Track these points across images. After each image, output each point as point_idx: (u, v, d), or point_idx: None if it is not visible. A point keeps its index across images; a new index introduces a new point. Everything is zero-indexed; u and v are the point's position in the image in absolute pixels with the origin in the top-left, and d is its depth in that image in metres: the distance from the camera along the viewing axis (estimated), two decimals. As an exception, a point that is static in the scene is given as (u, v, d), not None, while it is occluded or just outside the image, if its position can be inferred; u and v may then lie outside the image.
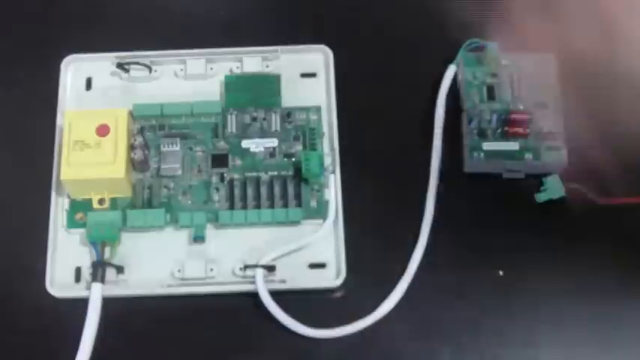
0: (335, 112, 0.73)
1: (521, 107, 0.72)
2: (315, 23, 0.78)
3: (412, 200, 0.71)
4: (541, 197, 0.71)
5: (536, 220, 0.71)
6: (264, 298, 0.68)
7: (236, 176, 0.72)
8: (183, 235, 0.71)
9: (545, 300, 0.69)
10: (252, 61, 0.75)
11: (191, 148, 0.73)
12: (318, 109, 0.74)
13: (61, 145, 0.71)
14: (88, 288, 0.68)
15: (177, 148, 0.72)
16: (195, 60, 0.76)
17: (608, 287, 0.69)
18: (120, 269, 0.69)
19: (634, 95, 0.73)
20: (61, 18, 0.79)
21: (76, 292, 0.69)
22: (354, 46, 0.77)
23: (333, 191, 0.71)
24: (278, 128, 0.73)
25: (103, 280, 0.68)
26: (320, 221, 0.71)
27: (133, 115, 0.73)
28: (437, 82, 0.73)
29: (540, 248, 0.70)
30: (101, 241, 0.69)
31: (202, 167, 0.72)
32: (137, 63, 0.75)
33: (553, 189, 0.70)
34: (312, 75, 0.76)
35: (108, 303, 0.68)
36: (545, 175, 0.71)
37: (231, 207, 0.71)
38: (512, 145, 0.71)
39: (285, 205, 0.71)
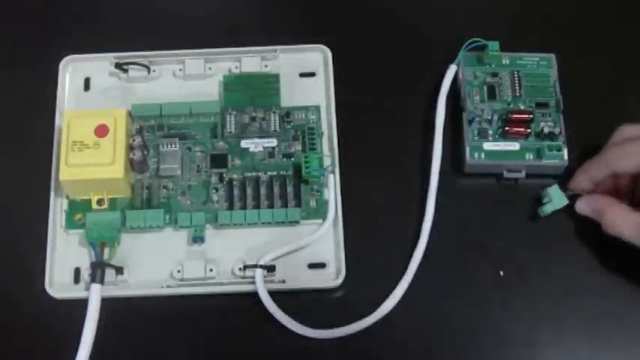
0: (334, 112, 0.73)
1: (522, 107, 0.72)
2: (313, 23, 0.78)
3: (412, 200, 0.71)
4: (545, 210, 0.70)
5: (536, 220, 0.71)
6: (264, 298, 0.68)
7: (235, 176, 0.72)
8: (182, 236, 0.71)
9: (545, 300, 0.69)
10: (250, 60, 0.75)
11: (190, 149, 0.73)
12: (317, 109, 0.74)
13: (59, 146, 0.71)
14: (87, 289, 0.68)
15: (176, 148, 0.72)
16: (193, 60, 0.75)
17: (608, 287, 0.69)
18: (119, 270, 0.69)
19: None
20: (60, 18, 0.79)
21: (76, 292, 0.69)
22: (353, 46, 0.77)
23: (332, 191, 0.71)
24: (277, 128, 0.73)
25: (102, 281, 0.68)
26: (319, 221, 0.71)
27: (131, 116, 0.73)
28: (437, 81, 0.73)
29: (540, 248, 0.70)
30: (100, 242, 0.69)
31: (201, 167, 0.72)
32: (136, 63, 0.75)
33: (556, 199, 0.70)
34: (311, 74, 0.76)
35: (107, 303, 0.68)
36: (544, 178, 0.71)
37: (231, 207, 0.71)
38: (513, 145, 0.71)
39: (285, 205, 0.71)
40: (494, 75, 0.73)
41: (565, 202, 0.70)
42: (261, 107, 0.73)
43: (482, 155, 0.71)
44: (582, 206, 0.69)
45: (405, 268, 0.69)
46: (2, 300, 0.69)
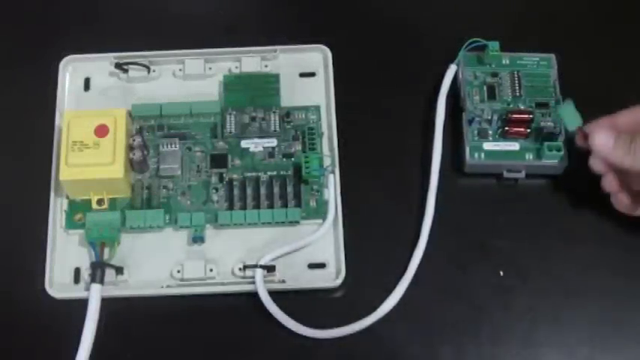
0: (334, 112, 0.73)
1: (522, 107, 0.72)
2: (313, 23, 0.78)
3: (412, 200, 0.71)
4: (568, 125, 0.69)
5: (536, 221, 0.71)
6: (264, 298, 0.68)
7: (235, 176, 0.72)
8: (182, 236, 0.71)
9: (545, 300, 0.69)
10: (250, 60, 0.75)
11: (190, 149, 0.73)
12: (317, 109, 0.74)
13: (59, 146, 0.71)
14: (87, 289, 0.68)
15: (176, 148, 0.72)
16: (193, 60, 0.75)
17: (607, 288, 0.69)
18: (119, 270, 0.69)
19: None
20: (60, 18, 0.79)
21: (75, 292, 0.69)
22: (353, 46, 0.77)
23: (332, 191, 0.71)
24: (277, 128, 0.73)
25: (102, 281, 0.68)
26: (319, 221, 0.71)
27: (131, 116, 0.73)
28: (437, 81, 0.73)
29: (540, 248, 0.70)
30: (100, 242, 0.69)
31: (201, 167, 0.72)
32: (136, 63, 0.75)
33: (569, 119, 0.69)
34: (311, 74, 0.76)
35: (107, 303, 0.68)
36: (544, 178, 0.70)
37: (231, 207, 0.71)
38: (513, 145, 0.71)
39: (285, 205, 0.71)
40: (494, 75, 0.73)
41: (579, 122, 0.69)
42: (261, 107, 0.73)
43: (482, 155, 0.71)
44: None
45: (405, 268, 0.69)
46: (2, 300, 0.69)
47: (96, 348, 0.66)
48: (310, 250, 0.70)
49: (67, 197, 0.71)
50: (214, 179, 0.72)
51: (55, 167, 0.71)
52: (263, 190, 0.71)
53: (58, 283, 0.69)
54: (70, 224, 0.71)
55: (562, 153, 0.70)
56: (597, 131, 0.66)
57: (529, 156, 0.71)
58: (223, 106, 0.74)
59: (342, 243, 0.69)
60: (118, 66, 0.75)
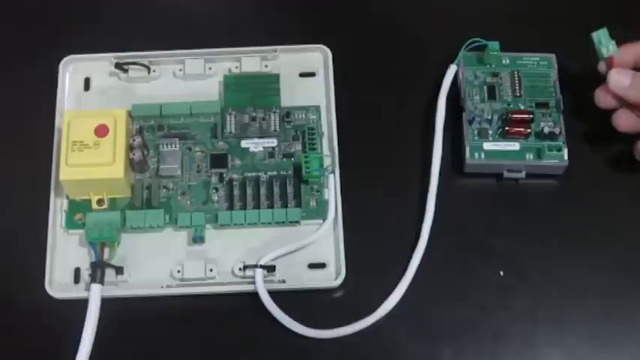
0: (334, 112, 0.73)
1: (522, 107, 0.72)
2: (314, 23, 0.78)
3: (412, 200, 0.71)
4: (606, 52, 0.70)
5: (536, 221, 0.71)
6: (264, 298, 0.68)
7: (235, 176, 0.72)
8: (182, 236, 0.71)
9: (545, 300, 0.69)
10: (250, 60, 0.75)
11: (190, 149, 0.73)
12: (317, 109, 0.74)
13: (59, 146, 0.71)
14: (87, 289, 0.68)
15: (176, 148, 0.72)
16: (193, 60, 0.75)
17: (607, 287, 0.69)
18: (119, 270, 0.69)
19: None
20: (60, 18, 0.79)
21: (75, 293, 0.69)
22: (354, 46, 0.77)
23: (332, 191, 0.71)
24: (277, 128, 0.73)
25: (102, 281, 0.68)
26: (319, 221, 0.71)
27: (131, 116, 0.73)
28: (437, 81, 0.73)
29: (540, 248, 0.70)
30: (100, 242, 0.69)
31: (201, 167, 0.72)
32: (136, 63, 0.75)
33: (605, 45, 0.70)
34: (311, 74, 0.76)
35: (107, 303, 0.68)
36: (544, 178, 0.71)
37: (231, 207, 0.71)
38: (513, 145, 0.71)
39: (285, 205, 0.71)
40: (495, 75, 0.73)
41: (614, 50, 0.70)
42: (261, 107, 0.73)
43: (482, 155, 0.71)
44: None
45: (405, 268, 0.69)
46: (2, 300, 0.69)
47: (96, 348, 0.66)
48: (310, 250, 0.70)
49: (67, 197, 0.71)
50: (214, 179, 0.72)
51: (55, 167, 0.71)
52: (263, 190, 0.71)
53: (58, 283, 0.69)
54: (70, 224, 0.71)
55: (562, 153, 0.70)
56: (614, 71, 0.69)
57: (529, 156, 0.71)
58: (223, 106, 0.74)
59: (342, 243, 0.69)
60: (118, 66, 0.75)
